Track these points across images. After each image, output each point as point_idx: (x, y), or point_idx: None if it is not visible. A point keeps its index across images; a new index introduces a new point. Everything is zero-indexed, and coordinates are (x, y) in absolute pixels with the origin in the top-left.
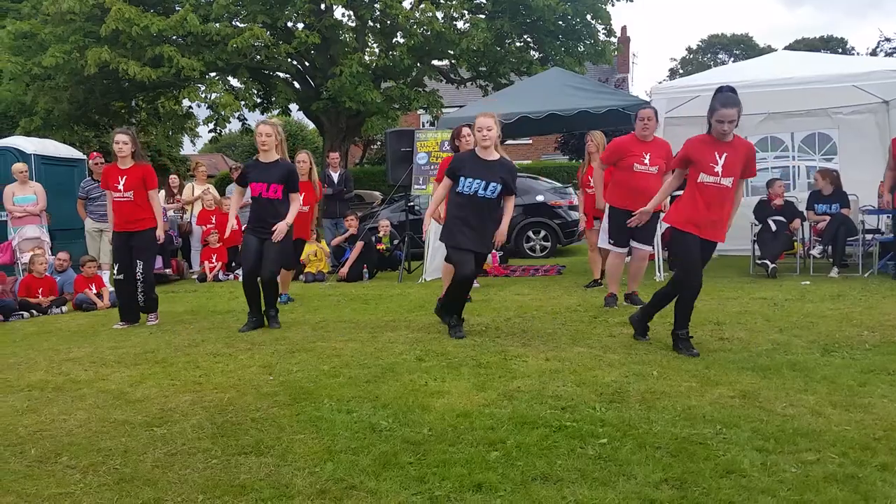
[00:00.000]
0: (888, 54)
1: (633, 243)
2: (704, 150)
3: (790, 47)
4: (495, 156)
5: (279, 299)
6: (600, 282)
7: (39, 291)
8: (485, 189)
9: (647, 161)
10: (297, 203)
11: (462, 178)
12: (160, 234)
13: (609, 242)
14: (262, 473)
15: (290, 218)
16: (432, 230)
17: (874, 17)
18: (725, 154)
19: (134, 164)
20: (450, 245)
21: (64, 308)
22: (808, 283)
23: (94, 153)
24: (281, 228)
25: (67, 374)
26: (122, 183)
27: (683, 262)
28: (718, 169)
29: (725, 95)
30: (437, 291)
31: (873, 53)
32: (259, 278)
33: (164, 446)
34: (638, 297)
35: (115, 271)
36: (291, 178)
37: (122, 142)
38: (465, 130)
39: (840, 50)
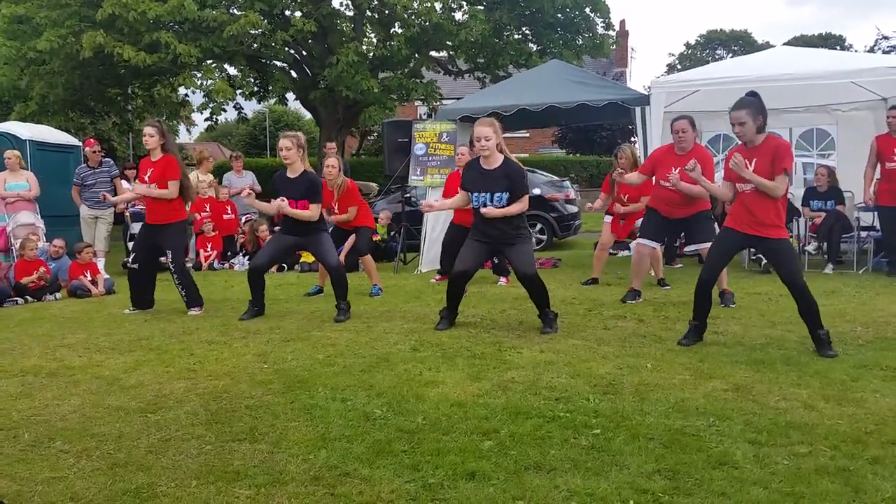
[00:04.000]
0: (886, 52)
1: (694, 246)
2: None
3: (788, 44)
4: (497, 162)
5: (371, 290)
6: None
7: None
8: (492, 200)
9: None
10: (311, 213)
11: (471, 194)
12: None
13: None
14: (256, 460)
15: (292, 213)
16: (430, 222)
17: (876, 16)
18: (755, 159)
19: (163, 156)
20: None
21: (58, 295)
22: None
23: (91, 139)
24: (272, 207)
25: (62, 359)
26: (148, 175)
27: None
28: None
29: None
30: (433, 282)
31: (871, 51)
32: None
33: (158, 432)
34: (730, 296)
35: (129, 259)
36: (312, 190)
37: (147, 133)
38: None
39: (838, 47)
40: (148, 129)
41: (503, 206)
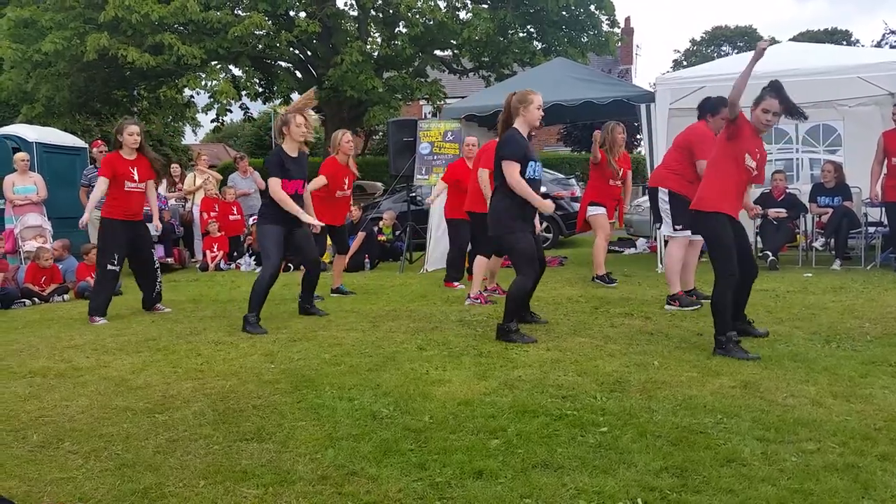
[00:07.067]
0: (893, 47)
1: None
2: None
3: (794, 40)
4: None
5: (329, 291)
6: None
7: (42, 280)
8: (541, 171)
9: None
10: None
11: (532, 163)
12: (156, 223)
13: (675, 228)
14: (264, 459)
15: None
16: (434, 222)
17: (884, 11)
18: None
19: (138, 156)
20: (516, 232)
21: (66, 296)
22: (810, 275)
23: (98, 140)
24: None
25: (69, 361)
26: (136, 174)
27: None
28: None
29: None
30: (438, 281)
31: (878, 46)
32: (309, 266)
33: (166, 432)
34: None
35: (114, 262)
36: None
37: (136, 132)
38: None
39: (845, 42)
40: (135, 128)
41: None
